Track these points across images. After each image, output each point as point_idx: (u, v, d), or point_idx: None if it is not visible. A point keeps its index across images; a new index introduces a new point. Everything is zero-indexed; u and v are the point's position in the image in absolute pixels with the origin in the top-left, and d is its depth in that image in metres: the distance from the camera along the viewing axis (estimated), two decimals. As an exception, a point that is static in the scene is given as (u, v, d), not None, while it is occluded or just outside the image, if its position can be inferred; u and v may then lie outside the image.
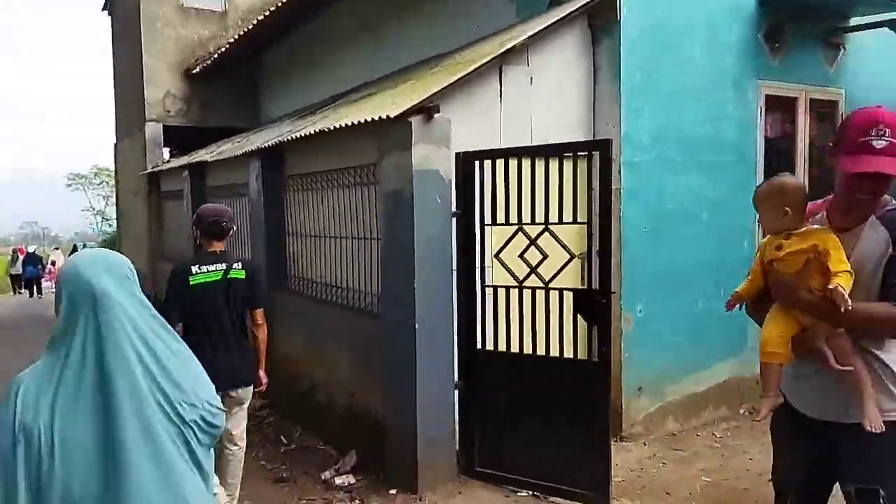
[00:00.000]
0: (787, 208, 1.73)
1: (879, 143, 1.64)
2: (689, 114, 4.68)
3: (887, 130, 1.64)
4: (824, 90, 5.46)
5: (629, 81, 4.37)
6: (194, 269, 3.46)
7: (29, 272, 20.09)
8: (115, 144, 13.73)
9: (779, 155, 5.28)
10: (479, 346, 3.86)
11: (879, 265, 1.72)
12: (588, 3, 4.37)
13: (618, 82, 4.37)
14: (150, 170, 10.36)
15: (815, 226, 1.77)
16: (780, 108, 5.28)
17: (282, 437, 5.00)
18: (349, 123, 4.07)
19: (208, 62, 10.19)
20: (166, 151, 11.67)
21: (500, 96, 4.20)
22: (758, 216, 1.87)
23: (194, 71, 10.40)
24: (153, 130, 10.57)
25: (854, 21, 5.46)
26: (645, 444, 4.37)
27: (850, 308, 1.62)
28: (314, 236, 5.32)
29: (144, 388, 1.36)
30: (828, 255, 1.66)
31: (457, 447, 3.90)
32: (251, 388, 3.60)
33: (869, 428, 1.73)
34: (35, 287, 19.74)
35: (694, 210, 4.71)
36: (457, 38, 5.65)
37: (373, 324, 4.28)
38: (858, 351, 1.79)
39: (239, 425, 3.57)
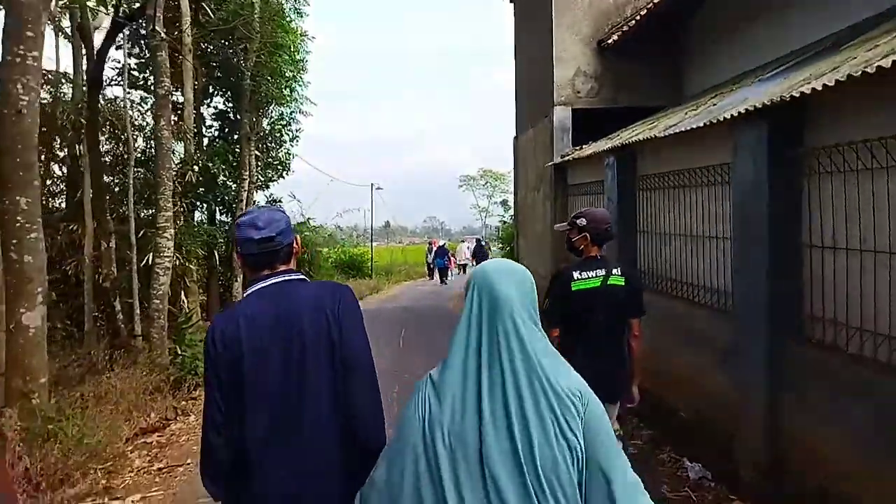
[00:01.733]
0: None
1: None
2: None
3: None
4: None
5: None
6: (576, 274, 3.39)
7: (438, 263, 23.13)
8: (515, 139, 13.29)
9: None
10: None
11: None
12: None
13: None
14: (558, 160, 9.19)
15: None
16: None
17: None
18: None
19: (625, 29, 8.53)
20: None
21: None
22: None
23: (608, 42, 8.86)
24: (561, 115, 9.38)
25: None
26: None
27: None
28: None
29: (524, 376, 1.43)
30: None
31: None
32: (618, 404, 3.40)
33: None
34: (443, 276, 22.74)
35: None
36: None
37: None
38: None
39: None
